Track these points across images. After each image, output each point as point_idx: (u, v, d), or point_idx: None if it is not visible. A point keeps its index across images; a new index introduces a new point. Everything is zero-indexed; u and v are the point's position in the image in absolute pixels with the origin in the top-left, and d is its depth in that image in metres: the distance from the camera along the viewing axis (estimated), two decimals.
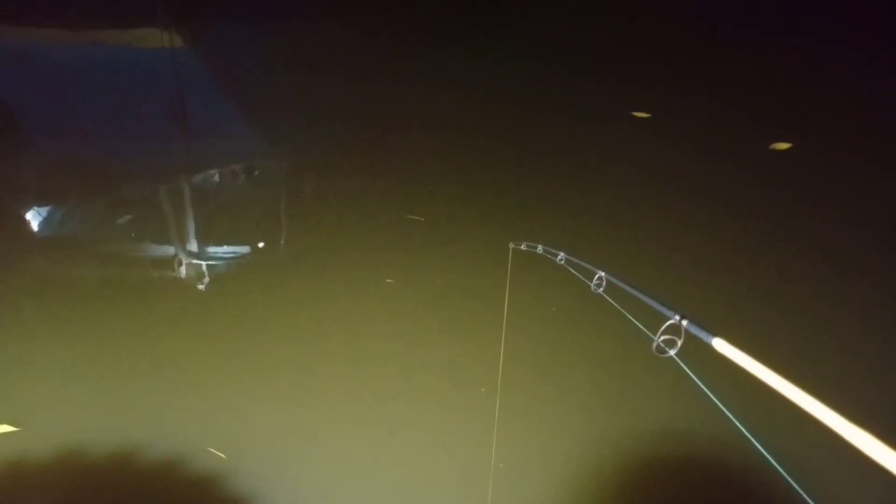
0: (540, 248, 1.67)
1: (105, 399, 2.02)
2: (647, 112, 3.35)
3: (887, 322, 2.41)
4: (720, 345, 0.77)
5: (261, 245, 2.71)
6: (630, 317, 1.00)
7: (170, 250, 2.65)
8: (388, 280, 2.41)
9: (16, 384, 2.05)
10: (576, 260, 1.28)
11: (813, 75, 3.62)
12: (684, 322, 0.84)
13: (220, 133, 3.45)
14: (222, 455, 1.91)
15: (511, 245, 2.20)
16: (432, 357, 2.29)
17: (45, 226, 2.75)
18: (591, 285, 1.14)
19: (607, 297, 1.09)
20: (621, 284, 1.01)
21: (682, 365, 0.86)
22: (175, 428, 1.96)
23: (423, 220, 2.40)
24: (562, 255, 1.39)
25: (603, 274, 1.10)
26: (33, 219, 2.78)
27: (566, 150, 3.27)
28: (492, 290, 2.39)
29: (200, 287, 2.46)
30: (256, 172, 3.07)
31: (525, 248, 2.02)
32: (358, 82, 3.71)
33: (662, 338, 0.87)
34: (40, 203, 2.85)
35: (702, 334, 0.80)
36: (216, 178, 3.00)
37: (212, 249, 2.68)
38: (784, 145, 3.04)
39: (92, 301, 2.35)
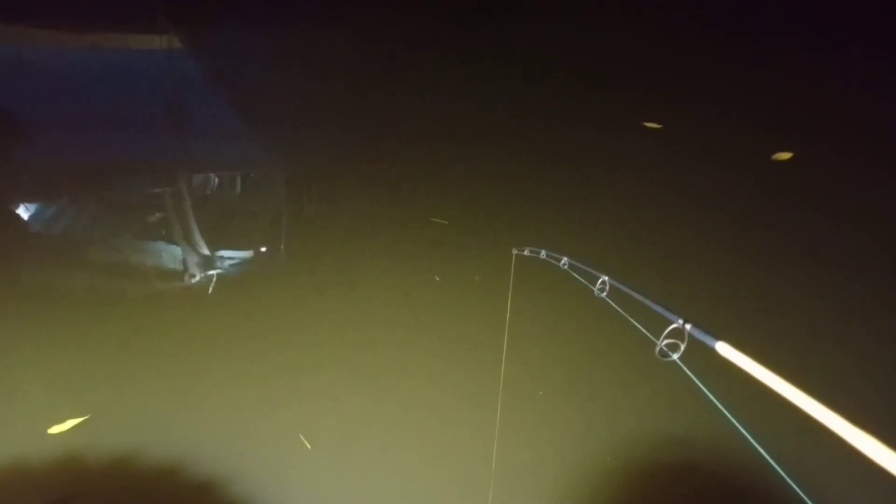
0: (543, 254, 1.68)
1: (108, 401, 2.01)
2: (655, 122, 3.37)
3: (892, 328, 2.40)
4: (723, 348, 0.77)
5: (261, 250, 2.71)
6: (633, 321, 1.00)
7: (177, 254, 2.66)
8: (436, 278, 2.41)
9: (22, 387, 2.05)
10: (579, 265, 1.28)
11: (815, 84, 3.64)
12: (687, 326, 0.84)
13: (220, 137, 3.45)
14: (308, 444, 1.91)
15: (514, 251, 2.20)
16: (435, 363, 2.29)
17: (44, 229, 2.76)
18: (595, 290, 1.14)
19: (610, 302, 1.09)
20: (624, 289, 1.01)
21: (684, 369, 0.86)
22: (183, 431, 1.96)
23: (446, 223, 2.41)
24: (565, 259, 1.39)
25: (606, 278, 1.11)
26: (32, 222, 2.79)
27: (569, 156, 3.28)
28: (495, 296, 2.40)
29: (208, 291, 2.47)
30: (255, 176, 3.07)
31: (528, 254, 2.02)
32: (359, 88, 3.73)
33: (666, 342, 0.87)
34: (38, 206, 2.86)
35: (705, 338, 0.80)
36: (216, 182, 3.01)
37: (215, 254, 2.69)
38: (786, 155, 3.04)
39: (93, 305, 2.36)
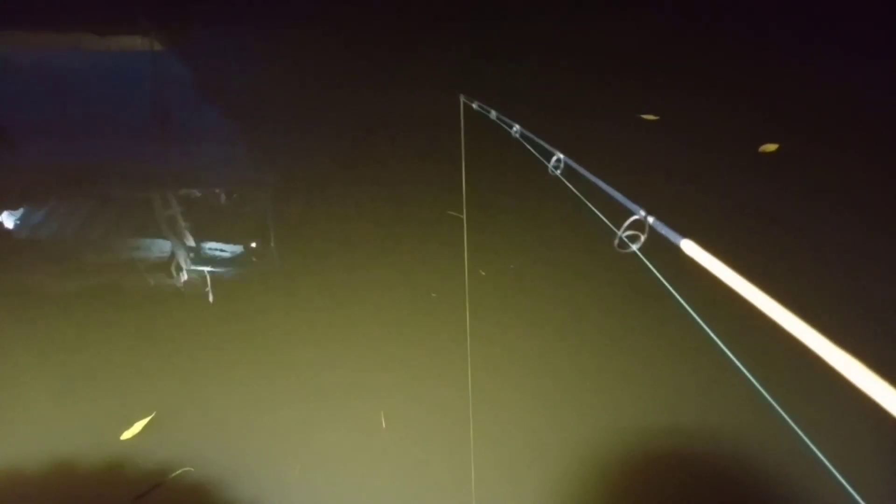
0: (494, 114, 1.53)
1: (100, 406, 1.89)
2: (653, 113, 3.10)
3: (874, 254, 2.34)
4: (688, 246, 0.71)
5: (250, 247, 2.52)
6: (591, 206, 0.92)
7: (165, 255, 2.47)
8: (481, 272, 2.22)
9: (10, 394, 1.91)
10: (532, 136, 1.15)
11: (801, 74, 3.43)
12: (650, 218, 0.77)
13: (203, 138, 3.25)
14: (383, 423, 1.81)
15: (462, 98, 2.02)
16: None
17: (28, 231, 2.62)
18: (549, 166, 1.04)
19: (566, 182, 1.00)
20: (581, 170, 0.92)
21: (645, 261, 0.81)
22: (176, 434, 1.86)
23: (462, 216, 2.22)
24: (517, 127, 1.26)
25: (561, 156, 1.00)
26: (14, 224, 2.64)
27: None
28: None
29: (195, 293, 2.26)
30: (239, 181, 2.91)
31: (477, 108, 1.86)
32: (343, 87, 3.50)
33: (627, 233, 0.80)
34: (21, 209, 2.70)
35: (670, 233, 0.74)
36: (201, 185, 2.86)
37: (201, 255, 2.48)
38: (772, 147, 2.89)
39: (83, 307, 2.17)
